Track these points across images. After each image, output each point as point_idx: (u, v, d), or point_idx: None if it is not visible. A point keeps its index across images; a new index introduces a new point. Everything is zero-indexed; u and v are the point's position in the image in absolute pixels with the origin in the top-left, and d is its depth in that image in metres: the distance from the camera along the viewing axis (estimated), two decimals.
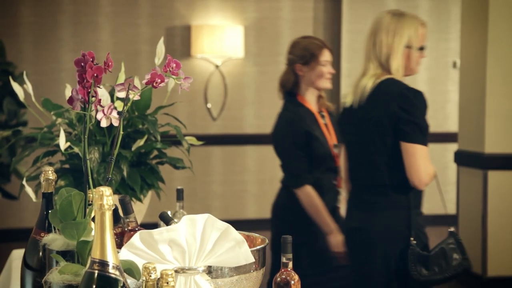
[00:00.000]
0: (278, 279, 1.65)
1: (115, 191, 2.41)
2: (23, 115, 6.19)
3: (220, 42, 6.97)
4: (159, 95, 2.79)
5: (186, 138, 2.63)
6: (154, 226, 1.81)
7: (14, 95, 5.44)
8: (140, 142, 2.49)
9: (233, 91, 7.24)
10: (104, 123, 1.46)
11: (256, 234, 1.80)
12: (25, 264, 1.84)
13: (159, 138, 2.48)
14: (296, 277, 1.67)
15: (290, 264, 1.65)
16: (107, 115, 1.45)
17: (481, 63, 5.29)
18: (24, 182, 2.27)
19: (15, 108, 6.10)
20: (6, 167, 6.02)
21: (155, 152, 2.60)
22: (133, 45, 6.98)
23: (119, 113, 1.46)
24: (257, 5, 7.27)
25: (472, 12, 5.46)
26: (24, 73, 2.66)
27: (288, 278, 1.66)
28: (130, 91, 1.46)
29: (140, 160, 2.55)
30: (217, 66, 7.18)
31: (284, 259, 1.65)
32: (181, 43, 7.09)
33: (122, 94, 1.47)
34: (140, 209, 2.54)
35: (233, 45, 7.00)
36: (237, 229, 1.77)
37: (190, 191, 6.97)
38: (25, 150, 2.60)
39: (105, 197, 1.26)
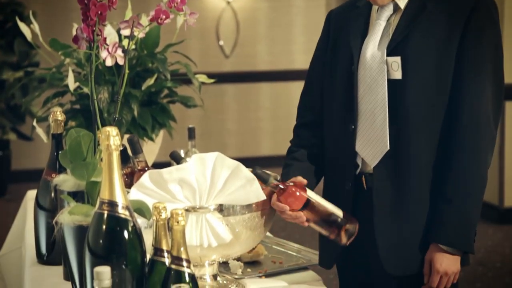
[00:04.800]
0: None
1: (126, 131, 2.40)
2: (35, 56, 6.16)
3: None
4: (169, 33, 2.75)
5: (197, 76, 2.59)
6: (167, 165, 1.80)
7: (25, 35, 5.40)
8: (150, 81, 2.46)
9: (246, 28, 7.15)
10: (109, 62, 1.43)
11: (268, 171, 1.79)
12: (38, 204, 1.85)
13: (169, 76, 2.45)
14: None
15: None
16: (112, 53, 1.42)
17: None
18: (35, 123, 2.26)
19: (26, 49, 6.07)
20: (20, 108, 6.03)
21: (166, 91, 2.58)
22: None
23: (124, 51, 1.43)
24: None
25: None
26: (31, 12, 2.63)
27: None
28: (135, 29, 1.43)
29: (150, 100, 2.53)
30: (228, 2, 7.08)
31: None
32: None
33: (126, 32, 1.44)
34: (153, 149, 2.53)
35: None
36: (252, 166, 1.75)
37: (204, 129, 6.97)
38: (35, 91, 2.59)
39: (112, 137, 1.25)
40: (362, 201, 1.88)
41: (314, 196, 1.72)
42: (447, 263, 1.80)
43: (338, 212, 1.71)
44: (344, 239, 1.71)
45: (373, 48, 1.87)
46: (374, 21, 1.91)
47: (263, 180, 1.68)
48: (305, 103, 2.06)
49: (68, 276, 1.54)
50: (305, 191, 1.71)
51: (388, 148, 1.83)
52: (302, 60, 7.20)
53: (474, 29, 1.81)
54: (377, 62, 1.84)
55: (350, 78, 1.91)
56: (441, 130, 1.84)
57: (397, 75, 1.83)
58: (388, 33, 1.87)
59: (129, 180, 1.81)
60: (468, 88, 1.82)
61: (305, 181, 1.75)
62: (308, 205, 1.69)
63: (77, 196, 1.56)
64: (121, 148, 1.28)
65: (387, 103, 1.83)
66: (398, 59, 1.83)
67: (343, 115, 1.92)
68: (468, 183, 1.81)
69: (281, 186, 1.69)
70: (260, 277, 1.80)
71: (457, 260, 1.81)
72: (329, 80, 1.98)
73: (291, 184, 1.71)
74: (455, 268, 1.81)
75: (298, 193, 1.69)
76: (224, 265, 1.84)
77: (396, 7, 1.89)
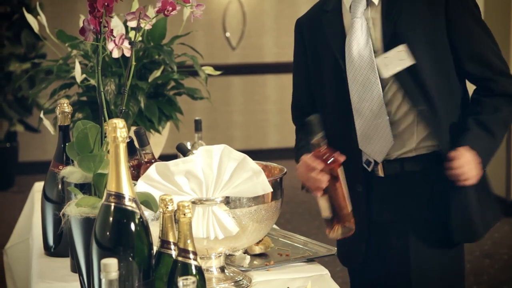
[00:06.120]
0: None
1: (133, 123, 2.40)
2: (42, 48, 6.16)
3: None
4: (176, 25, 2.74)
5: (203, 68, 2.59)
6: (174, 157, 1.79)
7: (32, 27, 5.40)
8: (157, 73, 2.46)
9: (252, 19, 7.13)
10: (115, 54, 1.43)
11: (274, 164, 1.78)
12: (45, 196, 1.86)
13: (175, 68, 2.45)
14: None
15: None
16: (119, 45, 1.42)
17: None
18: (41, 115, 2.26)
19: (33, 41, 6.07)
20: (27, 100, 6.04)
21: (172, 83, 2.58)
22: None
23: (130, 43, 1.43)
24: None
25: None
26: (38, 4, 2.63)
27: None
28: (141, 20, 1.43)
29: (157, 92, 2.53)
30: None
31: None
32: None
33: (133, 24, 1.44)
34: (159, 141, 2.53)
35: None
36: (258, 159, 1.75)
37: (211, 121, 6.96)
38: (42, 82, 2.59)
39: (119, 129, 1.25)
40: (375, 202, 1.91)
41: (342, 176, 1.71)
42: (473, 155, 1.83)
43: (349, 205, 1.70)
44: (336, 232, 1.70)
45: (357, 46, 1.85)
46: (349, 20, 1.89)
47: (313, 130, 1.68)
48: (297, 109, 2.16)
49: (75, 268, 1.54)
50: (339, 166, 1.70)
51: (393, 142, 1.83)
52: None
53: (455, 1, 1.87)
54: (366, 60, 1.84)
55: (340, 82, 1.90)
56: (462, 101, 1.92)
57: (407, 63, 1.84)
58: (369, 28, 1.86)
59: (136, 172, 1.81)
60: (472, 49, 1.89)
61: (343, 158, 1.76)
62: (334, 180, 1.69)
63: (84, 188, 1.56)
64: (128, 140, 1.28)
65: (383, 99, 1.83)
66: (403, 46, 1.83)
67: (340, 119, 1.93)
68: (499, 114, 1.88)
69: (322, 146, 1.69)
70: (266, 269, 1.80)
71: (480, 164, 1.86)
72: (318, 90, 1.99)
73: (333, 151, 1.71)
74: (478, 164, 1.84)
75: (333, 159, 1.69)
76: (230, 258, 1.85)
77: (369, 0, 1.88)
